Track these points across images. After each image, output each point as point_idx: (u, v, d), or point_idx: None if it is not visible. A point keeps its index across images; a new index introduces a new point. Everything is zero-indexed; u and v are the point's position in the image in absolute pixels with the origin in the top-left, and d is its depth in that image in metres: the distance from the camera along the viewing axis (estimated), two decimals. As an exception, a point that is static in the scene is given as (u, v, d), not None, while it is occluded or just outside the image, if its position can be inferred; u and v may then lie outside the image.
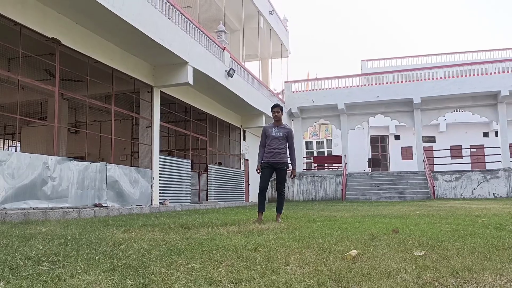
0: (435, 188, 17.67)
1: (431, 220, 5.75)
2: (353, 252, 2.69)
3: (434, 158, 22.09)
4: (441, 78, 19.65)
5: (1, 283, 1.95)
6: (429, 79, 19.79)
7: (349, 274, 2.08)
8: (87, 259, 2.61)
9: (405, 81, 20.10)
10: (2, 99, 12.46)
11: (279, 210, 6.04)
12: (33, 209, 7.04)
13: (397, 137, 28.20)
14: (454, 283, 1.91)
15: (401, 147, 28.06)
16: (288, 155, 6.10)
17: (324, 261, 2.47)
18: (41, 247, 3.16)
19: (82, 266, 2.38)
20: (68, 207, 7.95)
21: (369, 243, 3.24)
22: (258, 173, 6.07)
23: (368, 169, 25.19)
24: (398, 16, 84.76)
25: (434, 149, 25.67)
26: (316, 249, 2.97)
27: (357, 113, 21.21)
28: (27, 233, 4.22)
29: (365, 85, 20.85)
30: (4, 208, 6.76)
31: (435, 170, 20.59)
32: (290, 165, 6.17)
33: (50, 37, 7.94)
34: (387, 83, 20.43)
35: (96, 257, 2.68)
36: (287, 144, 6.05)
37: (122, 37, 9.19)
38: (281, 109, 6.13)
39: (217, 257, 2.67)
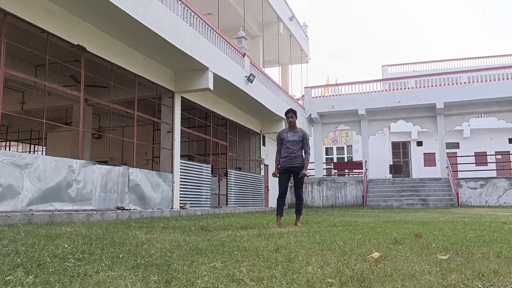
0: (459, 195, 17.27)
1: (455, 226, 5.63)
2: (375, 254, 2.67)
3: (458, 165, 21.61)
4: (465, 83, 19.27)
5: (30, 277, 2.02)
6: (452, 84, 19.43)
7: (371, 275, 2.06)
8: (112, 257, 2.67)
9: (428, 86, 19.78)
10: (29, 105, 12.89)
11: (298, 212, 6.09)
12: (58, 211, 7.21)
13: (420, 143, 27.71)
14: (480, 285, 1.87)
15: (424, 153, 27.54)
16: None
17: (346, 262, 2.45)
18: (67, 246, 3.24)
19: (106, 263, 2.44)
20: (91, 210, 8.11)
21: (392, 247, 3.20)
22: (275, 176, 6.09)
23: (389, 176, 24.82)
24: (419, 21, 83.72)
25: (458, 155, 25.14)
26: (337, 251, 2.96)
27: (378, 119, 20.98)
28: (53, 233, 4.32)
29: (386, 90, 20.63)
30: (30, 209, 6.95)
31: (459, 177, 20.12)
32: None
33: (76, 44, 8.16)
34: (409, 88, 20.17)
35: (120, 255, 2.74)
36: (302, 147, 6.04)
37: (145, 43, 9.37)
38: (295, 113, 6.11)
39: (238, 257, 2.68)
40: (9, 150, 17.51)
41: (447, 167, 18.90)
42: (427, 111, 20.00)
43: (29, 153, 17.88)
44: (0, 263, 2.42)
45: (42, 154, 16.26)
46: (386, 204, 17.89)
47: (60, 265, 2.35)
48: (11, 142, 18.94)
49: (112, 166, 9.27)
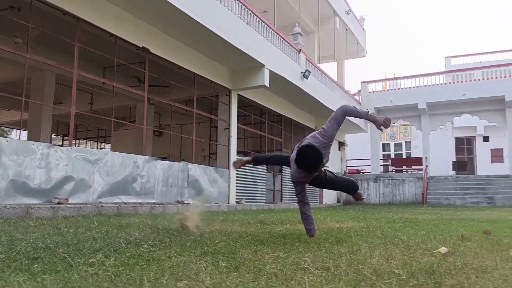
0: (531, 194, 16.07)
1: (528, 225, 5.27)
2: (443, 249, 2.59)
3: (530, 162, 20.04)
4: (538, 73, 17.85)
5: (111, 260, 2.20)
6: (523, 74, 18.08)
7: (441, 268, 2.02)
8: (180, 245, 2.82)
9: (496, 78, 18.53)
10: (96, 105, 13.75)
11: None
12: (125, 203, 7.66)
13: (486, 138, 26.05)
14: (561, 283, 1.77)
15: (491, 149, 25.87)
16: None
17: (412, 256, 2.41)
18: (137, 234, 3.47)
19: (176, 250, 2.58)
20: (154, 203, 8.52)
21: (459, 243, 3.09)
22: None
23: (452, 173, 23.60)
24: (484, 8, 78.36)
25: (530, 151, 23.31)
26: (401, 245, 2.91)
27: (440, 113, 20.01)
28: (123, 222, 4.63)
29: (450, 83, 19.60)
30: (100, 202, 7.45)
31: (531, 174, 18.67)
32: None
33: (141, 46, 8.60)
34: (475, 80, 19.02)
35: (187, 244, 2.89)
36: None
37: (204, 43, 9.65)
38: None
39: (300, 248, 2.73)
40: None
41: (517, 164, 17.65)
42: (495, 104, 18.76)
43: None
44: (81, 247, 2.65)
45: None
46: (449, 202, 17.05)
47: (135, 250, 2.53)
48: (80, 140, 20.31)
49: (173, 162, 9.66)
